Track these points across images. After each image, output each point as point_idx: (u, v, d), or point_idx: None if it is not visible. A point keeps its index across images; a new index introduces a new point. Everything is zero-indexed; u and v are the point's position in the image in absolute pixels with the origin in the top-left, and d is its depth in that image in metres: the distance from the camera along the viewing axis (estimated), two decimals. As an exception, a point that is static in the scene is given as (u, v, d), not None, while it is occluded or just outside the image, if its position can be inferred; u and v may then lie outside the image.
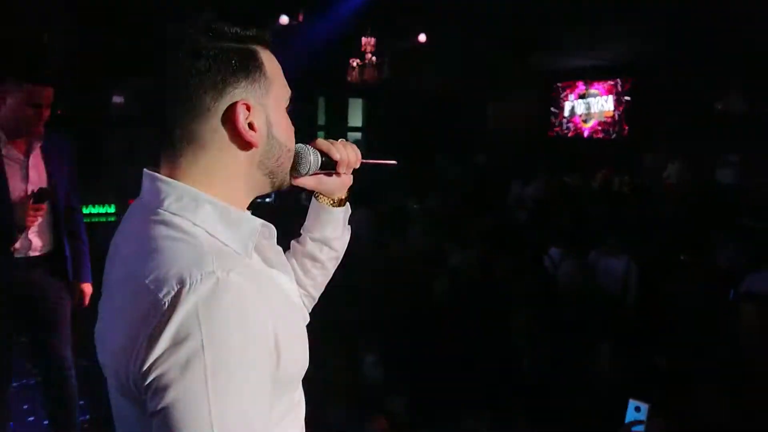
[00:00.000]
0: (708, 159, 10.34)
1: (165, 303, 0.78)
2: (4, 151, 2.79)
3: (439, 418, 3.24)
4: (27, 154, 2.87)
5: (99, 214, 8.27)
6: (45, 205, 2.83)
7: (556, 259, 5.91)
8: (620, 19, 8.14)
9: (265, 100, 0.96)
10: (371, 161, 1.31)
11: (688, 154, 10.74)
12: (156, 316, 0.78)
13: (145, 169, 0.97)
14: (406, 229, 6.46)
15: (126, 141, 11.26)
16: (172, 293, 0.78)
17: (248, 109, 0.93)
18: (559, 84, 15.73)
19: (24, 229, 2.79)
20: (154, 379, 0.77)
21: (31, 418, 3.74)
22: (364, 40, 8.28)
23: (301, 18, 7.10)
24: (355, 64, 8.41)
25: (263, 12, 8.27)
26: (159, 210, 0.90)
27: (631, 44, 10.49)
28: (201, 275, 0.79)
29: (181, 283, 0.79)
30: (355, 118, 14.50)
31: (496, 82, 15.15)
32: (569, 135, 15.59)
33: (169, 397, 0.75)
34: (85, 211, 8.13)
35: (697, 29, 8.91)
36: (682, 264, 6.12)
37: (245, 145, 0.94)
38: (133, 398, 0.82)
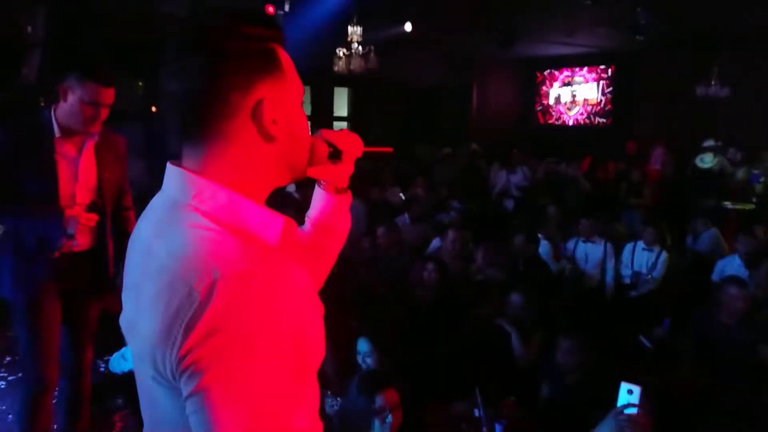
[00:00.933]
0: (690, 143, 10.46)
1: (199, 294, 0.82)
2: (57, 148, 2.72)
3: (431, 402, 3.31)
4: (79, 152, 2.80)
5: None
6: (97, 216, 2.79)
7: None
8: (602, 6, 8.19)
9: (286, 97, 0.99)
10: (371, 149, 1.35)
11: (670, 139, 10.87)
12: (191, 306, 0.82)
13: (169, 163, 1.00)
14: (393, 220, 6.51)
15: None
16: (206, 284, 0.82)
17: (272, 105, 0.96)
18: (542, 72, 15.82)
19: (72, 236, 2.76)
20: (188, 366, 0.81)
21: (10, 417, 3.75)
22: (350, 29, 8.27)
23: (287, 8, 7.08)
24: (341, 53, 8.41)
25: (250, 1, 8.24)
26: (188, 205, 0.93)
27: (613, 31, 10.56)
28: (232, 268, 0.84)
29: (215, 275, 0.83)
30: (341, 108, 14.49)
31: (481, 71, 15.20)
32: (554, 123, 15.70)
33: (202, 383, 0.81)
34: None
35: (677, 15, 8.99)
36: (666, 248, 6.23)
37: (270, 139, 0.98)
38: (169, 385, 0.86)
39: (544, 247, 5.96)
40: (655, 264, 5.72)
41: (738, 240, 5.54)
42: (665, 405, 3.09)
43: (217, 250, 0.87)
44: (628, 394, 2.44)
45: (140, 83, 10.73)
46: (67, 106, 2.67)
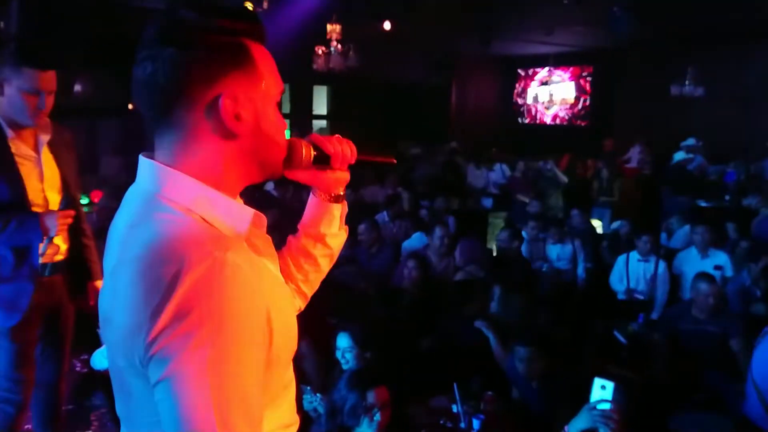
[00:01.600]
0: (667, 143, 10.62)
1: (167, 280, 0.83)
2: (13, 149, 2.51)
3: (412, 399, 3.33)
4: (37, 150, 2.60)
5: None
6: (74, 211, 2.62)
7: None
8: (580, 5, 8.28)
9: (254, 94, 0.99)
10: (368, 158, 1.28)
11: (648, 138, 11.01)
12: (159, 292, 0.83)
13: (141, 155, 1.01)
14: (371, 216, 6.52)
15: (87, 131, 11.09)
16: (173, 271, 0.83)
17: (235, 100, 0.96)
18: (521, 71, 15.92)
19: (51, 237, 2.57)
20: (156, 352, 0.82)
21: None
22: (329, 27, 8.25)
23: (266, 5, 7.05)
24: (320, 51, 8.39)
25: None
26: (157, 196, 0.95)
27: (591, 31, 10.67)
28: (200, 254, 0.85)
29: (181, 262, 0.84)
30: (320, 106, 14.46)
31: (461, 69, 15.25)
32: (531, 122, 15.82)
33: (170, 368, 0.82)
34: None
35: (652, 14, 9.11)
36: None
37: (230, 135, 0.97)
38: (141, 375, 0.87)
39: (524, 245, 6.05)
40: (654, 276, 5.39)
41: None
42: (640, 398, 3.16)
43: (185, 237, 0.89)
44: (602, 389, 2.47)
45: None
46: (6, 99, 2.45)
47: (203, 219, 0.94)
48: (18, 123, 2.52)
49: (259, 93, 0.99)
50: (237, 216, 0.98)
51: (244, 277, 0.87)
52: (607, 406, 2.44)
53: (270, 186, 8.37)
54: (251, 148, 1.00)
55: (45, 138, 2.62)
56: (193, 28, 0.94)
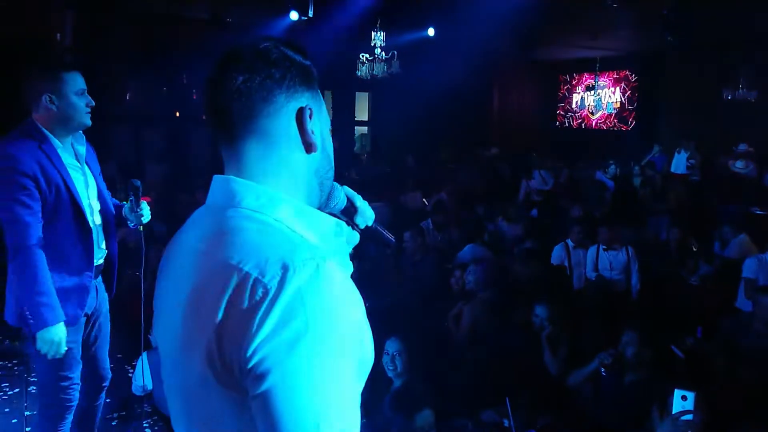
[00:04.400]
0: (717, 149, 10.32)
1: (271, 287, 0.82)
2: (64, 159, 2.55)
3: (460, 411, 3.28)
4: (79, 160, 2.65)
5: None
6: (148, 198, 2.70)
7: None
8: (626, 9, 8.12)
9: (320, 115, 1.05)
10: (378, 227, 1.28)
11: (697, 144, 10.71)
12: (263, 300, 0.82)
13: (215, 176, 1.02)
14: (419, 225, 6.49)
15: (134, 138, 11.36)
16: (277, 278, 0.83)
17: (312, 116, 1.02)
18: (564, 75, 15.71)
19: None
20: (259, 361, 0.81)
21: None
22: (373, 34, 8.28)
23: (311, 14, 7.12)
24: (364, 59, 8.42)
25: (274, 7, 8.29)
26: (238, 209, 0.95)
27: (638, 34, 10.46)
28: (302, 261, 0.85)
29: (285, 268, 0.83)
30: (362, 112, 14.50)
31: (502, 75, 15.13)
32: (576, 126, 15.59)
33: (275, 375, 0.80)
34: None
35: (704, 17, 8.88)
36: (693, 254, 6.13)
37: (308, 147, 1.01)
38: (231, 385, 0.85)
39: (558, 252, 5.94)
40: (628, 265, 5.70)
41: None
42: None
43: (280, 245, 0.89)
44: (682, 401, 2.47)
45: (194, 90, 10.85)
46: (58, 109, 2.50)
47: (290, 228, 0.94)
48: (67, 131, 2.58)
49: (323, 116, 1.06)
50: (322, 225, 0.98)
51: (345, 286, 0.88)
52: (689, 417, 2.46)
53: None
54: (318, 165, 1.04)
55: (82, 149, 2.68)
56: (273, 47, 1.00)
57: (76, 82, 2.55)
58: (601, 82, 14.66)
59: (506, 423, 3.09)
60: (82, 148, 2.69)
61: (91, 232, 2.62)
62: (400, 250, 5.63)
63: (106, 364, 2.96)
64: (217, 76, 0.98)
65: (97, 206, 2.72)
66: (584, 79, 15.22)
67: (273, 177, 0.99)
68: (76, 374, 2.73)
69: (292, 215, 0.95)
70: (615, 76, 14.47)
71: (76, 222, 2.56)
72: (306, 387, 0.80)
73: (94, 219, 2.67)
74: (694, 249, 6.22)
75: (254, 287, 0.83)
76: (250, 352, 0.81)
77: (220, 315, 0.84)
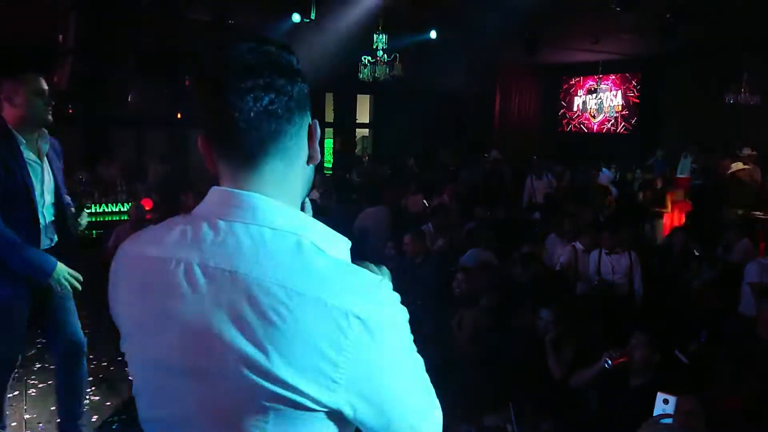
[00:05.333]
0: (720, 152, 10.30)
1: (358, 315, 0.86)
2: (25, 155, 2.82)
3: (463, 416, 3.27)
4: (41, 157, 2.92)
5: (112, 212, 8.33)
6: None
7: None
8: (627, 12, 8.11)
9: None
10: None
11: (700, 147, 10.69)
12: (349, 328, 0.86)
13: (224, 188, 0.97)
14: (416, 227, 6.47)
15: (137, 140, 11.37)
16: (371, 303, 0.88)
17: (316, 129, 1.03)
18: (566, 79, 15.71)
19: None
20: (352, 375, 0.86)
21: None
22: (375, 37, 8.27)
23: (313, 16, 7.11)
24: (366, 61, 8.41)
25: (276, 9, 8.29)
26: (274, 229, 0.92)
27: (640, 38, 10.45)
28: (379, 281, 0.92)
29: (375, 289, 0.90)
30: (363, 115, 14.51)
31: (504, 78, 15.14)
32: (578, 130, 15.58)
33: (377, 382, 0.89)
34: (98, 209, 8.21)
35: (706, 20, 8.87)
36: (696, 258, 6.11)
37: (311, 159, 1.03)
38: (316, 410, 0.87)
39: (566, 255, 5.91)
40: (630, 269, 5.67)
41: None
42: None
43: (349, 268, 0.93)
44: (664, 404, 2.46)
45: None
46: (22, 107, 2.78)
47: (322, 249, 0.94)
48: (30, 128, 2.85)
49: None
50: (342, 245, 0.99)
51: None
52: (669, 420, 2.43)
53: (315, 195, 8.43)
54: (311, 174, 1.06)
55: (45, 147, 2.94)
56: (292, 61, 0.97)
57: (35, 83, 2.80)
58: (603, 85, 14.66)
59: (509, 428, 3.07)
60: (46, 146, 2.94)
61: (38, 223, 2.87)
62: (401, 253, 5.60)
63: (76, 328, 3.15)
64: (232, 91, 0.91)
65: (50, 200, 2.97)
66: (586, 82, 15.22)
67: (286, 192, 0.98)
68: None
69: (322, 236, 0.96)
70: (617, 79, 14.47)
71: (25, 211, 2.82)
72: (404, 383, 0.94)
73: (44, 212, 2.92)
74: (697, 253, 6.20)
75: (341, 316, 0.86)
76: (339, 368, 0.86)
77: (298, 336, 0.85)
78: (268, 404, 0.86)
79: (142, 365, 0.99)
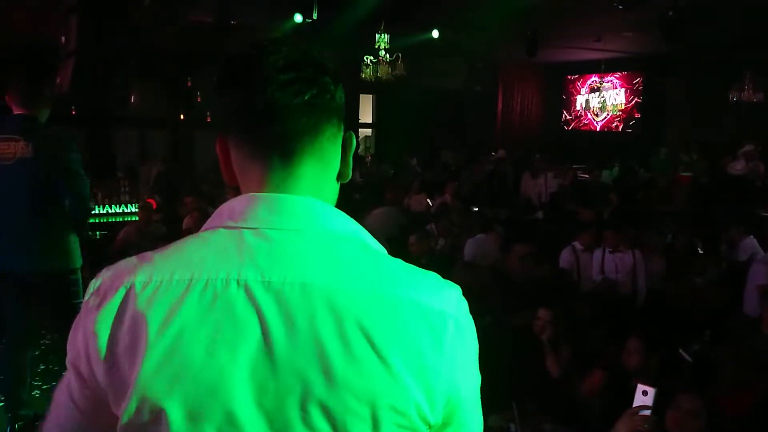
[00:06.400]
0: (723, 151, 10.27)
1: (450, 316, 0.83)
2: None
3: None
4: None
5: (116, 213, 8.34)
6: None
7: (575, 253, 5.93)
8: (630, 10, 8.09)
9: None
10: None
11: (703, 146, 10.67)
12: (444, 330, 0.81)
13: (264, 194, 0.87)
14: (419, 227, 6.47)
15: (139, 141, 11.39)
16: (451, 305, 0.84)
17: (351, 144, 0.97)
18: (569, 77, 15.69)
19: None
20: (448, 389, 0.81)
21: None
22: (377, 36, 8.27)
23: (315, 15, 7.11)
24: (368, 60, 8.41)
25: (278, 10, 8.29)
26: (336, 233, 0.85)
27: (642, 36, 10.43)
28: (450, 282, 0.88)
29: (452, 294, 0.85)
30: (366, 115, 14.51)
31: (506, 77, 15.12)
32: (581, 129, 15.56)
33: (463, 394, 0.85)
34: (101, 210, 8.23)
35: (708, 18, 8.84)
36: (699, 257, 6.10)
37: (342, 176, 0.95)
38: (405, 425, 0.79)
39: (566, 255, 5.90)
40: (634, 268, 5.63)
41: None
42: (708, 419, 3.01)
43: (417, 268, 0.87)
44: (643, 395, 2.51)
45: (199, 93, 10.89)
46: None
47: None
48: None
49: None
50: (379, 245, 0.91)
51: None
52: (647, 412, 2.48)
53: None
54: (337, 195, 0.97)
55: None
56: (329, 65, 0.92)
57: None
58: (606, 83, 14.63)
59: (513, 428, 3.07)
60: None
61: None
62: (406, 254, 5.60)
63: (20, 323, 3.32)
64: (274, 82, 0.85)
65: None
66: (589, 80, 15.20)
67: (323, 199, 0.90)
68: None
69: (373, 240, 0.90)
70: (620, 77, 14.44)
71: None
72: (477, 393, 0.90)
73: None
74: (700, 251, 6.18)
75: (435, 318, 0.81)
76: (440, 383, 0.81)
77: (399, 359, 0.77)
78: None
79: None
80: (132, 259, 0.84)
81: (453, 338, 0.81)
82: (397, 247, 5.89)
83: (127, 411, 0.76)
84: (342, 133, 0.94)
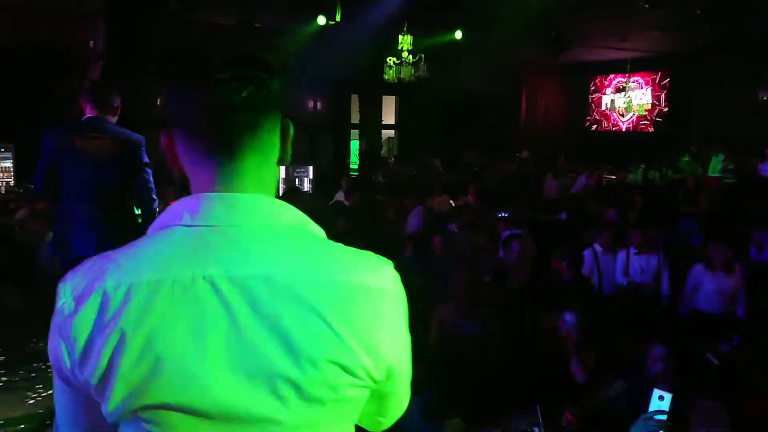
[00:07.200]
0: (752, 151, 10.09)
1: (384, 287, 0.94)
2: None
3: (489, 419, 3.26)
4: None
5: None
6: None
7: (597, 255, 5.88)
8: (656, 9, 7.99)
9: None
10: None
11: (731, 146, 10.49)
12: (381, 301, 0.93)
13: (216, 193, 0.93)
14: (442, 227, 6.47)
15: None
16: (385, 278, 0.95)
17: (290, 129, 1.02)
18: (593, 77, 15.53)
19: None
20: (387, 352, 0.93)
21: None
22: (400, 38, 8.28)
23: (338, 18, 7.14)
24: (391, 62, 8.42)
25: (301, 12, 8.34)
26: (284, 226, 0.94)
27: (668, 35, 10.29)
28: (384, 259, 0.98)
29: (385, 269, 0.96)
30: (389, 116, 14.51)
31: (530, 77, 15.02)
32: (606, 129, 15.40)
33: (402, 358, 0.98)
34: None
35: (737, 15, 8.69)
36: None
37: (282, 160, 1.01)
38: (342, 390, 0.90)
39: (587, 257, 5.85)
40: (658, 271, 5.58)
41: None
42: (734, 423, 2.97)
43: (356, 250, 0.98)
44: (659, 401, 2.51)
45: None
46: None
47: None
48: None
49: None
50: (320, 228, 1.00)
51: None
52: (663, 417, 2.48)
53: (341, 196, 8.46)
54: (278, 177, 1.05)
55: None
56: (271, 56, 0.96)
57: None
58: (632, 83, 14.45)
59: (536, 431, 3.05)
60: None
61: None
62: (429, 254, 5.60)
63: None
64: (213, 82, 0.89)
65: None
66: (614, 80, 15.03)
67: (264, 189, 0.97)
68: None
69: (316, 227, 0.99)
70: (645, 77, 14.26)
71: None
72: (407, 362, 1.03)
73: None
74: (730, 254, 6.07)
75: (372, 292, 0.93)
76: (379, 349, 0.93)
77: (348, 331, 0.89)
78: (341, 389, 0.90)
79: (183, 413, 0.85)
80: (97, 261, 0.89)
81: (389, 309, 0.94)
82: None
83: (112, 402, 0.83)
84: (280, 123, 0.98)
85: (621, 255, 5.84)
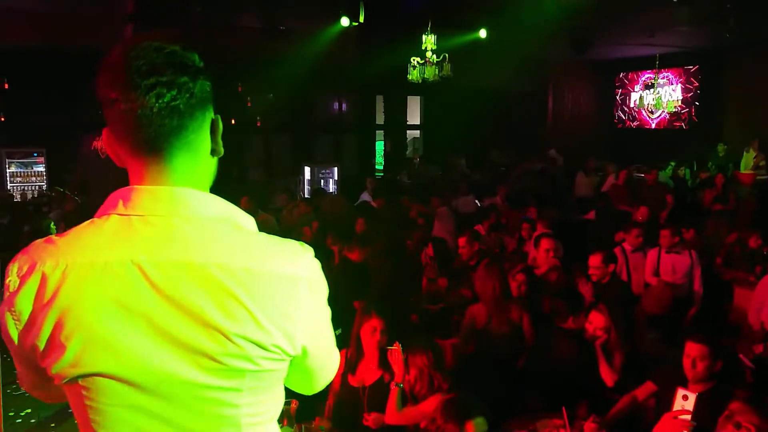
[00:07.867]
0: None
1: (300, 273, 1.05)
2: None
3: (515, 420, 3.22)
4: None
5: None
6: None
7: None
8: (684, 3, 7.83)
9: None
10: None
11: (764, 142, 10.24)
12: (297, 285, 1.04)
13: (147, 186, 1.02)
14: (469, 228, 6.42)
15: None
16: (302, 266, 1.06)
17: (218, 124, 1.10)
18: (623, 74, 15.31)
19: None
20: (302, 328, 1.05)
21: None
22: (424, 38, 8.25)
23: (362, 19, 7.14)
24: (415, 62, 8.39)
25: (325, 14, 8.37)
26: (209, 217, 1.02)
27: (699, 29, 10.08)
28: (304, 247, 1.09)
29: (303, 258, 1.07)
30: (414, 116, 14.49)
31: (557, 75, 14.86)
32: (635, 126, 15.16)
33: (318, 330, 1.11)
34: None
35: (765, 7, 8.48)
36: (761, 257, 5.86)
37: (215, 152, 1.09)
38: (261, 360, 1.02)
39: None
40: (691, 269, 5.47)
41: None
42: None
43: (278, 240, 1.07)
44: (683, 400, 2.52)
45: (249, 98, 11.22)
46: None
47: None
48: None
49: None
50: (250, 218, 1.09)
51: None
52: (687, 417, 2.48)
53: (366, 196, 8.47)
54: (215, 167, 1.13)
55: None
56: (193, 58, 1.03)
57: None
58: (661, 79, 14.20)
59: (563, 433, 3.00)
60: None
61: None
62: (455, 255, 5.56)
63: None
64: (136, 88, 0.96)
65: None
66: (643, 77, 14.79)
67: (195, 182, 1.05)
68: None
69: (237, 214, 1.06)
70: (675, 73, 14.00)
71: None
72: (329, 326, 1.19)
73: None
74: (765, 252, 5.93)
75: (287, 279, 1.03)
76: (296, 327, 1.04)
77: (264, 311, 1.00)
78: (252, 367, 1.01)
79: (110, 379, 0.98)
80: (41, 244, 1.00)
81: (305, 293, 1.04)
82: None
83: (53, 369, 0.97)
84: (209, 119, 1.06)
85: (651, 254, 5.73)
